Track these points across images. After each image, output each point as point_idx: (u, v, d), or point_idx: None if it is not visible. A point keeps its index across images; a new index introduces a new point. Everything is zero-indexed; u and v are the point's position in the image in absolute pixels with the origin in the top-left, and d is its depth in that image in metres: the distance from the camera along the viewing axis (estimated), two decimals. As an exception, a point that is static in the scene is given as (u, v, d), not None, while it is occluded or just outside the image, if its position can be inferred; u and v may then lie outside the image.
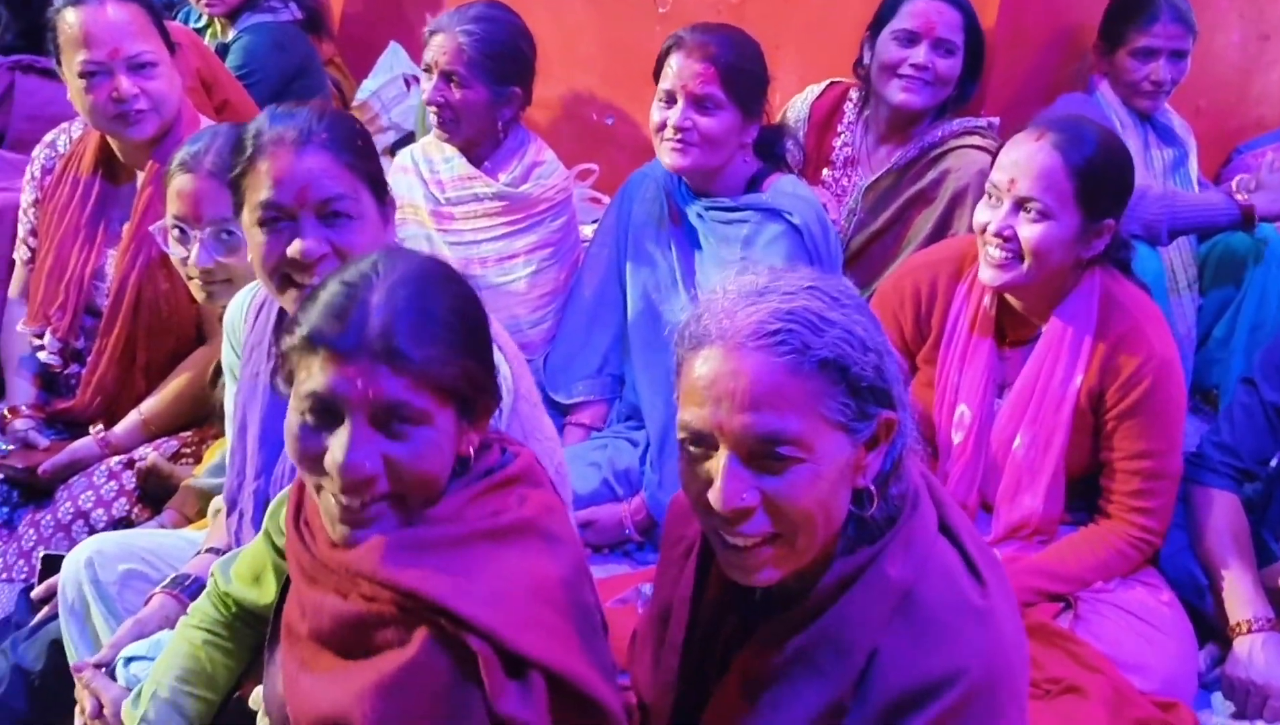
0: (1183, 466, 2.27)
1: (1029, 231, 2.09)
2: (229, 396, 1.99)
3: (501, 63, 2.68)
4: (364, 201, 1.73)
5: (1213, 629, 2.23)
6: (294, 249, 1.68)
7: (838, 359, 1.23)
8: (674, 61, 2.46)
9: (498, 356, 1.68)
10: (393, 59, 4.14)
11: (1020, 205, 2.10)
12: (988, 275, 2.16)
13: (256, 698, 1.56)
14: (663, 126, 2.47)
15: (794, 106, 2.98)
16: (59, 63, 2.48)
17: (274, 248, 1.70)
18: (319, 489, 1.35)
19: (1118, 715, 1.95)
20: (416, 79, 4.03)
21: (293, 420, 1.34)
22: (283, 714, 1.39)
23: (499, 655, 1.26)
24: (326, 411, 1.31)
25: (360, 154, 1.74)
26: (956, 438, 2.26)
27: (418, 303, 1.32)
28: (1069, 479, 2.24)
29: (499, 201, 2.73)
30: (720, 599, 1.43)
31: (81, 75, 2.41)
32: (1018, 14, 2.91)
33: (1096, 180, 2.09)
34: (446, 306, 1.35)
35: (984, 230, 2.15)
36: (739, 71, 2.44)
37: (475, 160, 2.77)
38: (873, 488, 1.29)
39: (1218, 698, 2.16)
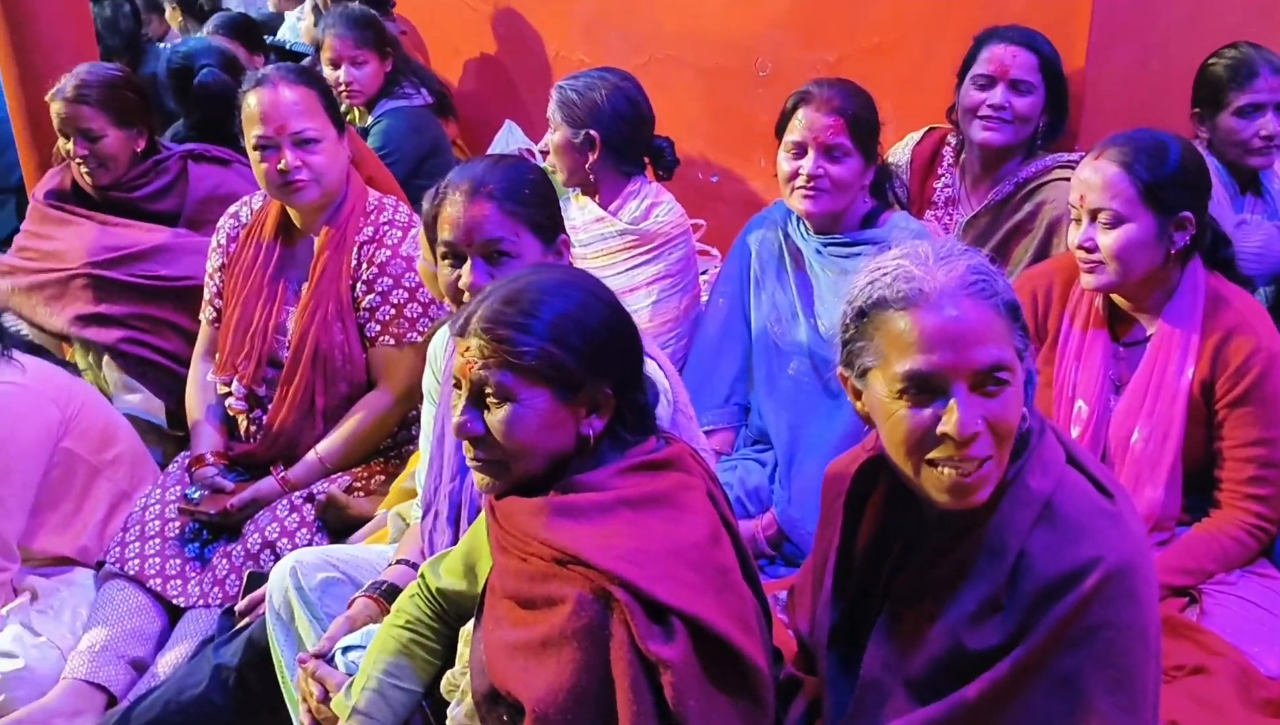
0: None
1: (1106, 239, 2.24)
2: (426, 415, 2.23)
3: (573, 108, 2.93)
4: (524, 242, 2.03)
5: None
6: (462, 282, 2.01)
7: (1012, 301, 1.47)
8: (803, 115, 2.63)
9: (655, 371, 1.90)
10: (508, 136, 4.40)
11: (1094, 217, 2.25)
12: (1085, 281, 2.32)
13: (448, 682, 1.76)
14: (794, 176, 2.63)
15: (895, 153, 3.14)
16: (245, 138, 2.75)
17: (452, 280, 2.04)
18: None
19: (1246, 695, 2.01)
20: (532, 153, 4.31)
21: None
22: (483, 674, 1.59)
23: (640, 603, 1.47)
24: (455, 386, 1.63)
25: (524, 202, 2.04)
26: (1074, 432, 2.36)
27: (516, 298, 1.59)
28: (1186, 474, 2.32)
29: (624, 238, 2.95)
30: (876, 538, 1.62)
31: (255, 148, 2.70)
32: (1106, 53, 3.03)
33: (1159, 179, 2.23)
34: (550, 305, 1.59)
35: (1074, 249, 2.31)
36: (862, 121, 2.62)
37: (602, 206, 3.00)
38: (1025, 411, 1.50)
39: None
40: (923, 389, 1.45)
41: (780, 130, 2.69)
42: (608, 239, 2.97)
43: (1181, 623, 2.15)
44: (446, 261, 2.05)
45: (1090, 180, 2.26)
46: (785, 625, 1.89)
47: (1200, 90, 2.97)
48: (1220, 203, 2.88)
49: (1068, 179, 2.75)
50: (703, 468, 1.70)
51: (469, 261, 2.02)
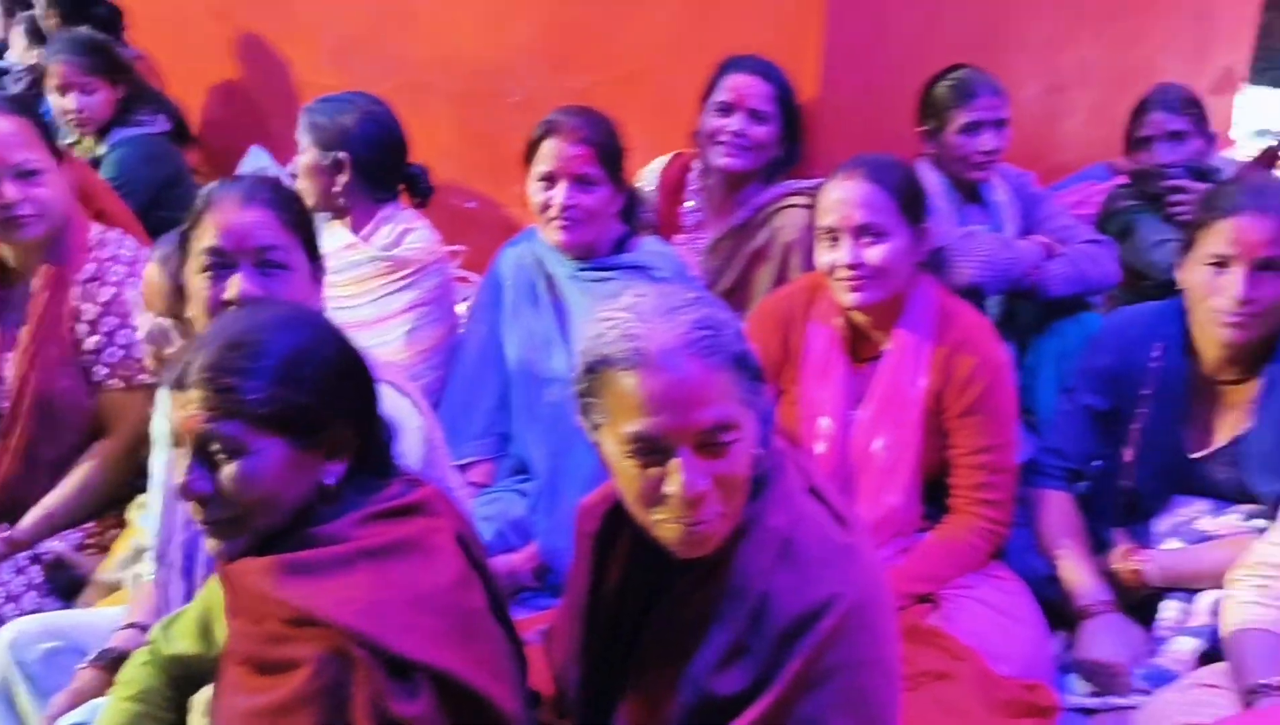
0: (1019, 465, 2.48)
1: (874, 253, 2.33)
2: (157, 461, 2.09)
3: (322, 130, 2.88)
4: (297, 257, 1.94)
5: (1062, 617, 2.39)
6: (231, 292, 1.87)
7: (740, 352, 1.45)
8: (551, 145, 2.64)
9: (407, 408, 1.84)
10: (255, 162, 4.25)
11: (858, 234, 2.33)
12: (849, 299, 2.38)
13: None
14: (547, 206, 2.64)
15: (644, 178, 3.19)
16: None
17: (215, 292, 1.88)
18: None
19: (986, 698, 2.09)
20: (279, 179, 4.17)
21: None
22: None
23: (382, 660, 1.41)
24: (178, 445, 1.50)
25: (298, 215, 1.96)
26: (820, 448, 2.44)
27: (240, 341, 1.49)
28: (924, 481, 2.44)
29: (375, 265, 2.88)
30: (625, 582, 1.61)
31: None
32: (837, 81, 3.16)
33: (908, 192, 2.36)
34: (278, 342, 1.49)
35: (832, 269, 2.37)
36: (609, 149, 2.66)
37: (353, 232, 2.93)
38: (761, 451, 1.51)
39: (1074, 680, 2.30)
40: (648, 451, 1.43)
41: (529, 159, 2.69)
42: (359, 266, 2.90)
43: (925, 629, 2.24)
44: (207, 274, 1.90)
45: (848, 199, 2.34)
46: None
47: (927, 109, 3.13)
48: (945, 215, 3.06)
49: (801, 205, 2.89)
50: (452, 509, 1.66)
51: (238, 272, 1.89)
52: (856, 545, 1.53)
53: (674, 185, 3.17)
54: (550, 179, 2.64)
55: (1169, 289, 2.80)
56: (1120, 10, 4.28)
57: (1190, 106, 3.37)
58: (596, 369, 1.45)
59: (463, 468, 2.73)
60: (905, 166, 2.42)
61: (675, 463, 1.42)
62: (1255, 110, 6.44)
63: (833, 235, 2.37)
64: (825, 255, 2.38)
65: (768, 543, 1.49)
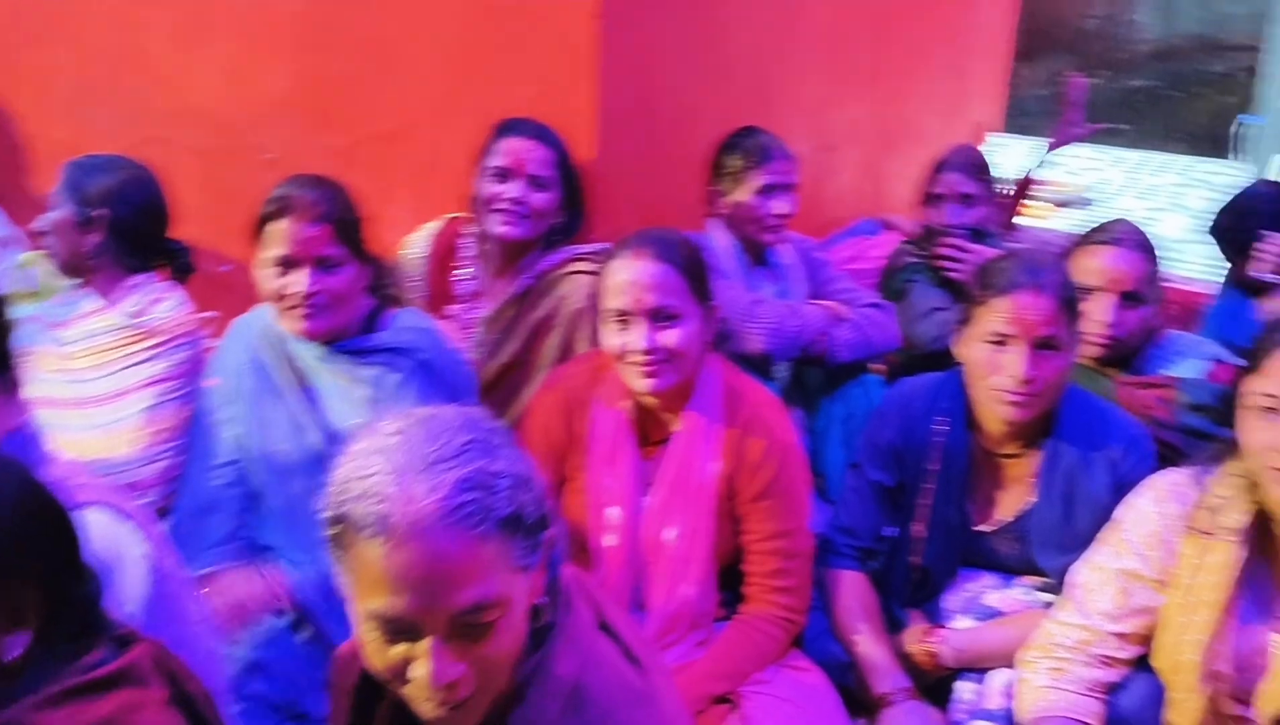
0: (814, 544, 2.39)
1: (671, 337, 2.19)
2: None
3: (80, 186, 2.64)
4: None
5: (861, 703, 2.32)
6: None
7: (514, 512, 1.23)
8: (286, 226, 2.32)
9: (126, 534, 1.59)
10: (-22, 223, 3.85)
11: (652, 318, 2.20)
12: (643, 385, 2.22)
13: None
14: (285, 294, 2.34)
15: (414, 244, 3.00)
16: None
17: None
18: None
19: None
20: (11, 241, 3.78)
21: None
22: None
23: None
24: None
25: None
26: (609, 540, 2.30)
27: None
28: (720, 569, 2.32)
29: (116, 334, 2.62)
30: None
31: None
32: (614, 146, 3.06)
33: (696, 270, 2.25)
34: None
35: (623, 354, 2.22)
36: (349, 224, 2.39)
37: (100, 297, 2.66)
38: (544, 600, 1.33)
39: (876, 773, 2.24)
40: (392, 630, 1.22)
41: (256, 238, 2.38)
42: (97, 336, 2.62)
43: (723, 734, 2.12)
44: None
45: (639, 281, 2.19)
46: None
47: (720, 170, 3.06)
48: (735, 277, 2.99)
49: (585, 272, 2.77)
50: (170, 668, 1.40)
51: None
52: (652, 690, 1.39)
53: (446, 252, 2.98)
54: (287, 262, 2.34)
55: (933, 359, 2.83)
56: (883, 71, 4.39)
57: (983, 172, 3.48)
58: (339, 523, 1.22)
59: (204, 580, 2.43)
60: (690, 243, 2.30)
61: (423, 647, 1.22)
62: (1006, 158, 6.80)
63: (623, 318, 2.21)
64: (615, 338, 2.23)
65: (554, 693, 1.32)
